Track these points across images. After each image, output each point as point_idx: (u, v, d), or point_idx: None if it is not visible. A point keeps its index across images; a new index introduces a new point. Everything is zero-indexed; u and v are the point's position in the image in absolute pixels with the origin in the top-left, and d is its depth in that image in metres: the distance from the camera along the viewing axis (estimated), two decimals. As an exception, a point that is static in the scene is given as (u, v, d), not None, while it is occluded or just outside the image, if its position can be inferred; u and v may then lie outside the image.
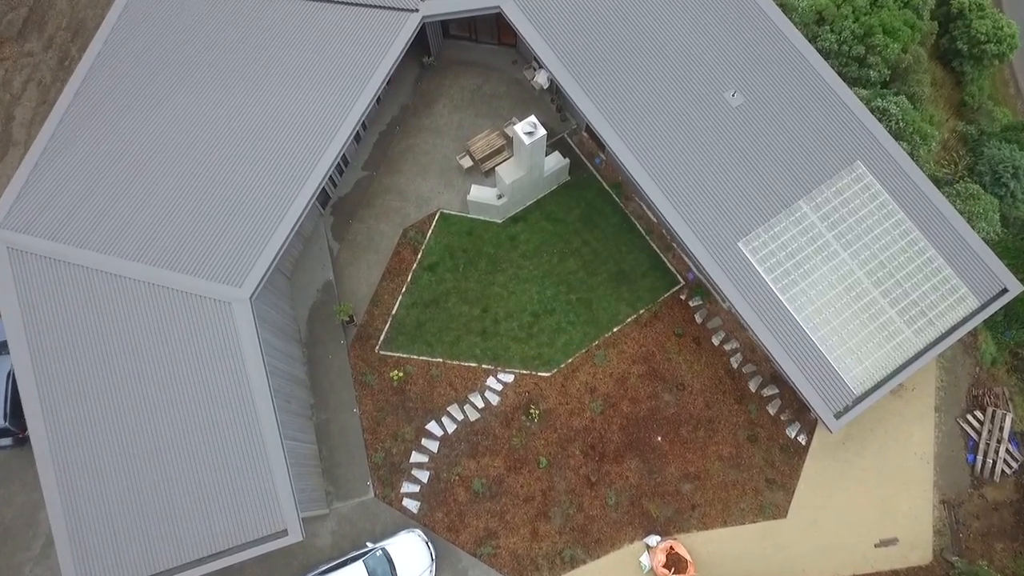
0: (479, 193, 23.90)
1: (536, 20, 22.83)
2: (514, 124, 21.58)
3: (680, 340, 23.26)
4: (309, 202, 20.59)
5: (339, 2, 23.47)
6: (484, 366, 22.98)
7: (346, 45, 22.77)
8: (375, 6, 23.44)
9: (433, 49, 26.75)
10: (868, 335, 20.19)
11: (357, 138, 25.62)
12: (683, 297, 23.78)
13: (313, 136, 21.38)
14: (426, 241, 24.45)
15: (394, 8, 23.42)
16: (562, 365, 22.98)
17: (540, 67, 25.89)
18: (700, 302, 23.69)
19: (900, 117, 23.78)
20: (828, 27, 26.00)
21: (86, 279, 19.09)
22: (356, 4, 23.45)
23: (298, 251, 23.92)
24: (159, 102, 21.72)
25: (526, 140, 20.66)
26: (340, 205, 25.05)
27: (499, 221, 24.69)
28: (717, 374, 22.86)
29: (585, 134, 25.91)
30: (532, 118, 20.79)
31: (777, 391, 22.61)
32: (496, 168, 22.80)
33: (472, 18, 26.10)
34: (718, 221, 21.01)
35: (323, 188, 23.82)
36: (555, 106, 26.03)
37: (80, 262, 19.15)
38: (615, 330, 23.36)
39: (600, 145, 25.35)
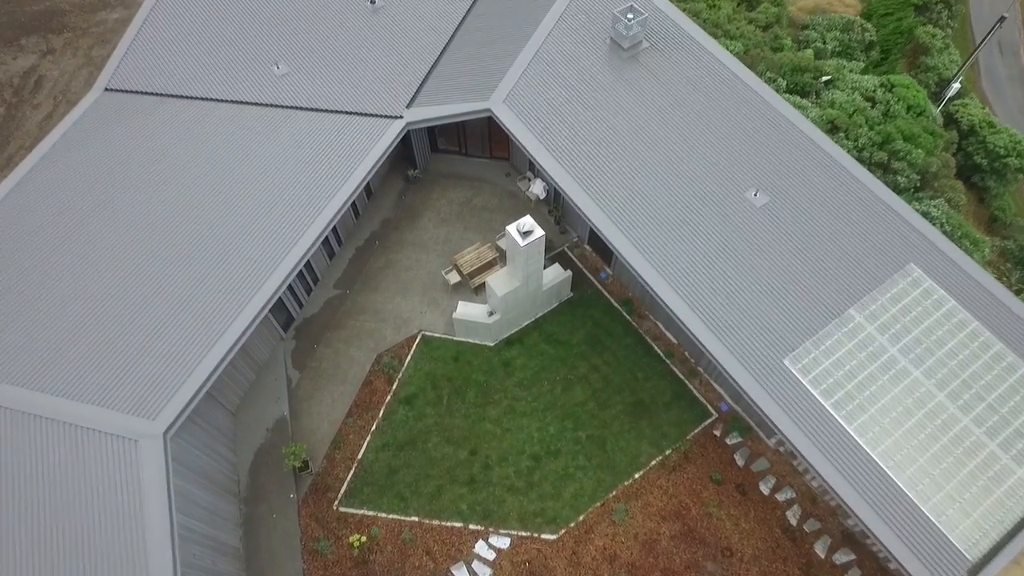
0: (467, 310, 20.36)
1: (530, 122, 20.83)
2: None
3: (720, 489, 18.41)
4: (255, 319, 17.03)
5: (318, 109, 21.72)
6: (472, 526, 17.90)
7: (320, 150, 20.58)
8: (355, 113, 21.65)
9: (420, 163, 24.74)
10: (968, 476, 15.58)
11: (331, 254, 22.66)
12: (717, 433, 19.32)
13: (270, 245, 18.35)
14: (404, 368, 20.45)
15: (376, 115, 21.60)
16: (572, 524, 17.91)
17: (536, 177, 23.73)
18: (739, 439, 19.19)
19: (944, 221, 21.02)
20: (843, 134, 24.24)
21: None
22: (335, 111, 21.70)
23: (248, 381, 19.81)
24: (95, 210, 19.02)
25: (521, 242, 17.54)
26: (305, 328, 21.36)
27: (491, 344, 20.89)
28: (772, 534, 17.74)
29: (587, 247, 23.00)
30: (528, 218, 17.86)
31: (853, 557, 17.37)
32: (487, 280, 19.48)
33: (462, 130, 24.45)
34: (756, 335, 17.29)
35: (286, 310, 20.63)
36: (553, 218, 23.41)
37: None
38: (637, 476, 18.60)
39: (606, 258, 22.37)
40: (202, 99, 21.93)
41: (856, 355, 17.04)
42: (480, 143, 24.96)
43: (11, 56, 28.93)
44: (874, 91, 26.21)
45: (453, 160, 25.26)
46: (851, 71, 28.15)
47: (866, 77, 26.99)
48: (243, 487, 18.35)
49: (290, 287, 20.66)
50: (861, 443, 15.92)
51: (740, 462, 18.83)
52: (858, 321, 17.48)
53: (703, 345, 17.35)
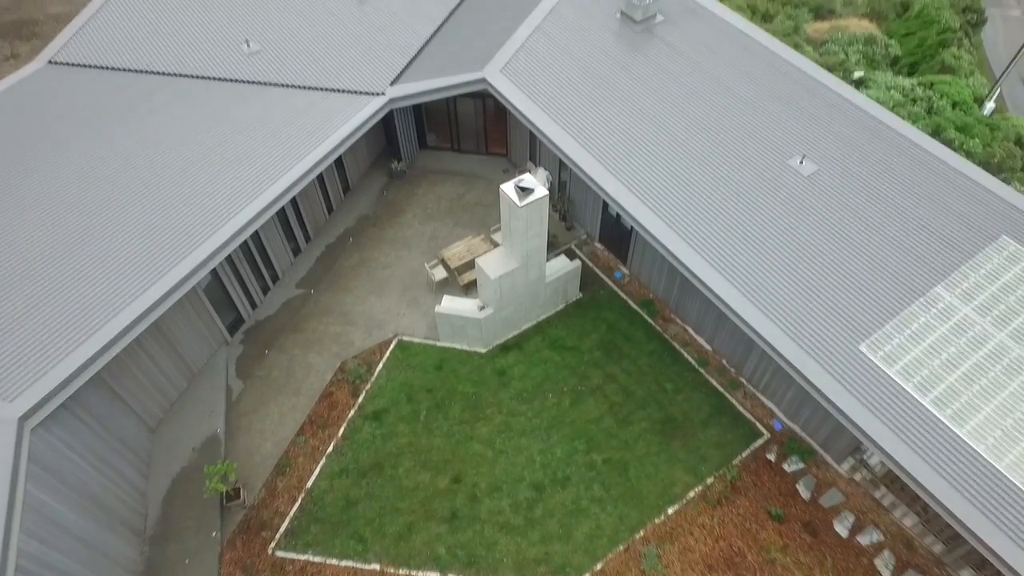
0: (454, 304, 16.60)
1: (532, 93, 17.95)
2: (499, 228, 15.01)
3: (782, 528, 13.91)
4: (172, 292, 13.35)
5: (290, 85, 18.97)
6: (452, 576, 13.35)
7: (284, 124, 17.56)
8: (331, 89, 18.88)
9: (405, 157, 21.75)
10: None
11: (296, 251, 19.18)
12: (771, 457, 15.01)
13: (204, 216, 14.87)
14: (374, 378, 16.43)
15: (355, 91, 18.80)
16: (587, 574, 13.32)
17: (538, 167, 20.62)
18: (800, 464, 14.86)
19: (1025, 204, 17.54)
20: (888, 125, 21.27)
21: None
22: (309, 88, 18.92)
23: (177, 390, 15.77)
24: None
25: (519, 201, 14.06)
26: (256, 331, 17.52)
27: (482, 350, 16.97)
28: (859, 589, 13.10)
29: (599, 245, 19.50)
30: (529, 175, 14.48)
31: (977, 620, 12.66)
32: (477, 261, 15.84)
33: (454, 124, 21.61)
34: (822, 318, 13.47)
35: (235, 309, 17.05)
36: (559, 213, 20.07)
37: None
38: (671, 511, 14.15)
39: (621, 255, 18.83)
40: (155, 73, 19.25)
41: (953, 341, 13.12)
42: (475, 138, 22.08)
43: (-29, 60, 26.77)
44: (912, 88, 23.59)
45: (443, 156, 22.29)
46: (882, 75, 25.72)
47: (900, 77, 24.50)
48: (151, 522, 13.89)
49: (242, 283, 17.12)
50: (980, 451, 11.70)
51: (805, 494, 14.41)
52: (949, 301, 13.68)
53: (755, 330, 13.49)
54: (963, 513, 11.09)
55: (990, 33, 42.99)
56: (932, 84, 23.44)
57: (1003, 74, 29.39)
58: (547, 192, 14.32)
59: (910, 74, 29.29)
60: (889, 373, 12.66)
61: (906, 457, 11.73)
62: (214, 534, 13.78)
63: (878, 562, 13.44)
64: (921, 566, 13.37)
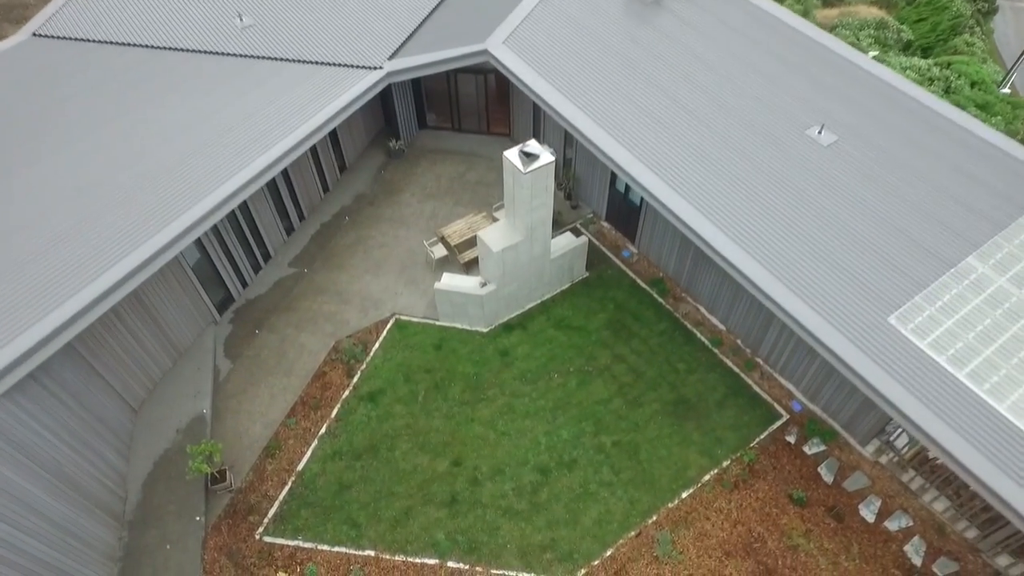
0: (454, 281, 15.78)
1: (538, 65, 17.20)
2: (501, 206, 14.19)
3: (805, 513, 13.04)
4: (140, 269, 12.49)
5: (283, 59, 18.24)
6: (452, 564, 12.46)
7: (275, 97, 16.79)
8: (326, 63, 18.13)
9: (404, 137, 20.99)
10: None
11: (289, 229, 18.39)
12: (791, 440, 14.15)
13: (187, 186, 14.02)
14: (370, 357, 15.60)
15: (351, 65, 18.06)
16: (596, 561, 12.46)
17: (543, 144, 19.80)
18: (822, 447, 13.99)
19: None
20: (905, 102, 20.52)
21: None
22: (303, 61, 18.18)
23: (161, 370, 14.93)
24: None
25: (523, 167, 13.26)
26: (246, 310, 16.71)
27: (484, 329, 16.15)
28: (888, 577, 12.22)
29: (606, 224, 18.71)
30: (534, 141, 13.70)
31: (1017, 610, 11.77)
32: (479, 234, 15.02)
33: (455, 103, 20.86)
34: (846, 290, 12.66)
35: (224, 287, 16.24)
36: (564, 191, 19.28)
37: None
38: (685, 495, 13.29)
39: (629, 234, 18.04)
40: (144, 46, 18.51)
41: (988, 313, 12.30)
42: (476, 117, 21.32)
43: (-42, 42, 25.99)
44: (929, 68, 22.84)
45: (444, 136, 21.52)
46: (896, 57, 24.99)
47: (915, 58, 23.77)
48: (131, 506, 13.03)
49: (232, 261, 16.34)
50: (1023, 427, 10.84)
51: (828, 478, 13.55)
52: (983, 272, 12.87)
53: (776, 303, 12.67)
54: (1007, 492, 10.23)
55: (1000, 23, 42.35)
56: (949, 64, 22.67)
57: (1020, 59, 28.63)
58: (553, 158, 13.52)
59: (925, 57, 28.57)
60: (920, 346, 11.83)
61: (942, 433, 10.88)
62: (198, 518, 12.92)
63: (908, 548, 12.56)
64: (954, 552, 12.49)
